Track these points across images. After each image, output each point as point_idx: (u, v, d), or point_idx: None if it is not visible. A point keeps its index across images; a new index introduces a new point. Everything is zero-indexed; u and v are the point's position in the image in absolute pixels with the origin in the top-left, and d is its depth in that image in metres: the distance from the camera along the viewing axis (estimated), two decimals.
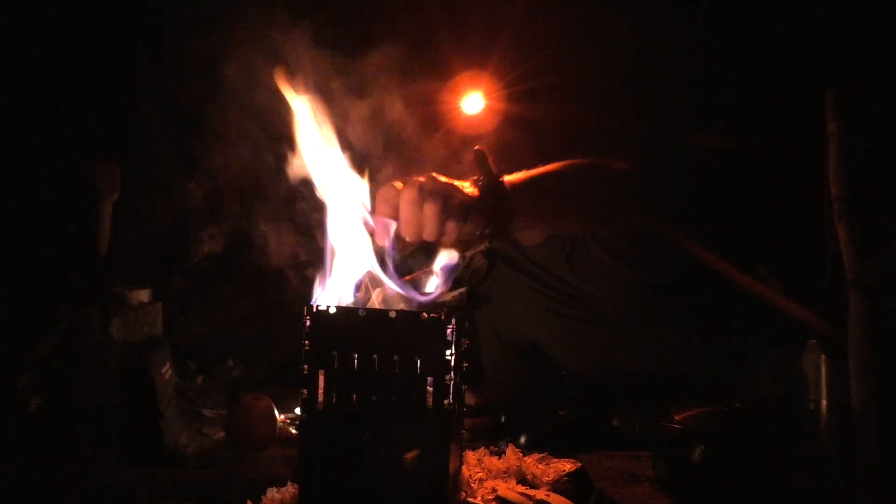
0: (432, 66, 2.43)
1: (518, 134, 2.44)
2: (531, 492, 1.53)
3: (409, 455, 1.45)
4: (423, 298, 1.64)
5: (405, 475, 1.46)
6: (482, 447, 1.77)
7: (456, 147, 2.43)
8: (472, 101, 2.46)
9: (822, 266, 1.75)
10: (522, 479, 1.61)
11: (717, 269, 2.16)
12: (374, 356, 1.48)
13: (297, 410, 2.03)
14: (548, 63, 2.41)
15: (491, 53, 2.44)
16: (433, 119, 2.44)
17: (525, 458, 1.68)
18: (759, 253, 2.22)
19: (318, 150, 1.70)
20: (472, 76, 2.45)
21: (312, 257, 1.78)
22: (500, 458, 1.68)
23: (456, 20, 2.50)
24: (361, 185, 1.72)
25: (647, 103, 2.43)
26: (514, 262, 2.53)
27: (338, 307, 1.51)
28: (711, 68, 2.44)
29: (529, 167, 2.14)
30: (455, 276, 1.67)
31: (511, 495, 1.51)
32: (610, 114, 2.40)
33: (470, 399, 2.14)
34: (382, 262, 1.68)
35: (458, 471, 1.58)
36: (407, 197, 1.66)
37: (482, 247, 1.65)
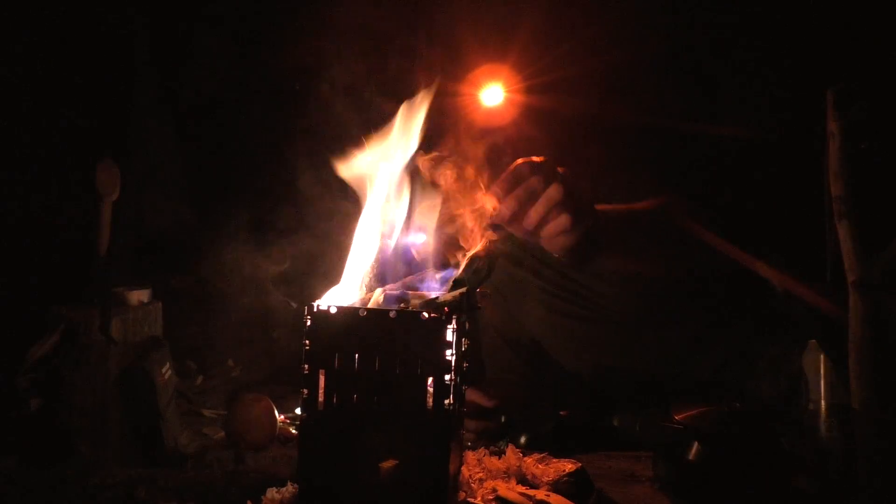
0: (451, 58, 2.45)
1: (537, 126, 2.46)
2: (531, 492, 1.53)
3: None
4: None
5: (404, 476, 1.46)
6: (482, 447, 1.77)
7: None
8: (491, 93, 2.46)
9: (822, 266, 1.75)
10: (522, 479, 1.61)
11: (731, 255, 2.17)
12: (375, 356, 1.48)
13: (297, 410, 2.03)
14: (568, 55, 2.43)
15: (511, 45, 2.46)
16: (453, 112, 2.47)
17: (525, 458, 1.68)
18: (760, 252, 2.23)
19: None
20: (492, 68, 2.46)
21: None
22: (500, 459, 1.68)
23: (476, 12, 2.51)
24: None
25: (659, 95, 2.46)
26: (518, 259, 2.54)
27: (338, 307, 1.51)
28: (720, 63, 2.46)
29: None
30: (455, 278, 1.67)
31: (511, 495, 1.51)
32: (627, 106, 2.43)
33: (483, 401, 2.15)
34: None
35: (458, 471, 1.58)
36: (536, 174, 1.72)
37: (482, 247, 1.65)
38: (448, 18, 2.45)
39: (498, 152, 2.49)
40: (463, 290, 1.60)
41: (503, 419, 2.15)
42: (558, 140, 2.48)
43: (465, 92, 2.46)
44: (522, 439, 1.99)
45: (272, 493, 1.53)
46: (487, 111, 2.49)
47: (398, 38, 2.05)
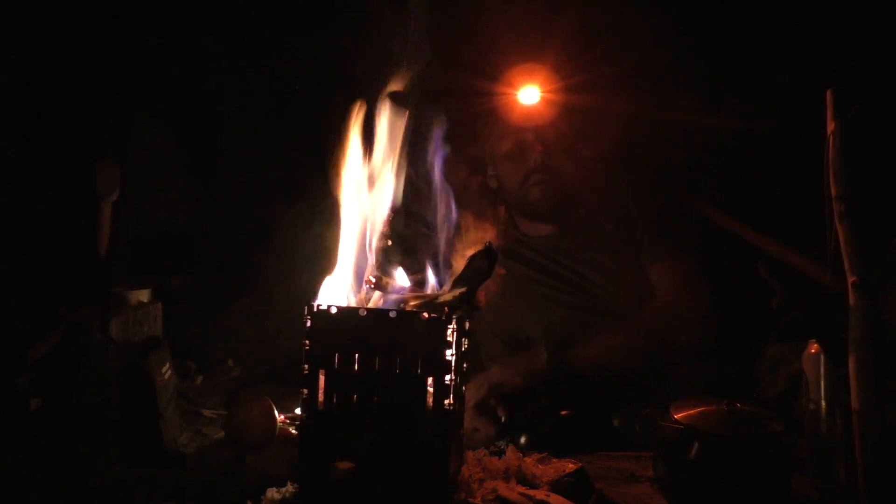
0: (490, 60, 2.47)
1: (571, 122, 2.48)
2: (531, 492, 1.53)
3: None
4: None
5: (405, 475, 1.46)
6: (482, 447, 1.77)
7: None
8: (529, 93, 2.49)
9: (822, 266, 1.75)
10: (522, 479, 1.61)
11: (742, 236, 2.18)
12: (375, 356, 1.48)
13: (297, 410, 2.03)
14: (601, 55, 2.45)
15: (547, 47, 2.48)
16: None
17: (525, 458, 1.68)
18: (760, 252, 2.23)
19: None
20: (529, 68, 2.48)
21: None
22: (500, 459, 1.68)
23: (514, 13, 2.53)
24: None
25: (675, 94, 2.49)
26: (516, 254, 2.55)
27: (338, 307, 1.51)
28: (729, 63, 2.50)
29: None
30: (455, 277, 1.67)
31: (511, 495, 1.51)
32: (655, 103, 2.46)
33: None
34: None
35: (458, 471, 1.58)
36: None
37: (483, 247, 1.65)
38: (480, 19, 2.47)
39: (527, 148, 2.51)
40: (463, 290, 1.60)
41: (503, 419, 2.15)
42: (584, 138, 2.51)
43: (498, 91, 2.49)
44: (522, 439, 1.99)
45: (272, 493, 1.54)
46: (519, 109, 2.52)
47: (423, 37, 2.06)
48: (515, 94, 2.49)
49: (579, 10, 2.48)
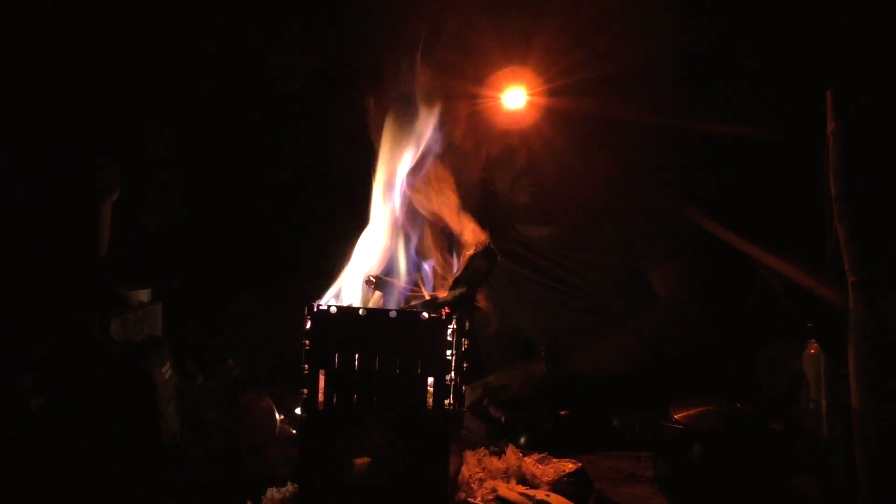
0: (474, 62, 2.46)
1: (557, 127, 2.48)
2: (531, 492, 1.53)
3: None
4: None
5: (405, 475, 1.46)
6: (482, 447, 1.77)
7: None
8: (514, 96, 2.47)
9: (823, 266, 1.75)
10: (522, 479, 1.61)
11: (741, 249, 2.19)
12: (375, 356, 1.48)
13: (297, 410, 2.03)
14: (587, 58, 2.45)
15: (531, 49, 2.47)
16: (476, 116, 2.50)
17: (525, 458, 1.68)
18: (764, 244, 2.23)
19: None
20: (514, 71, 2.47)
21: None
22: (500, 459, 1.68)
23: (497, 15, 2.52)
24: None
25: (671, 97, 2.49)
26: (515, 254, 2.55)
27: (338, 307, 1.51)
28: (727, 64, 2.50)
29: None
30: (455, 277, 1.67)
31: (511, 495, 1.51)
32: (646, 106, 2.46)
33: (493, 410, 2.17)
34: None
35: (458, 471, 1.58)
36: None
37: (482, 247, 1.65)
38: (465, 23, 2.46)
39: (512, 152, 2.51)
40: (463, 290, 1.60)
41: (503, 419, 2.15)
42: (571, 141, 2.50)
43: (483, 94, 2.48)
44: (522, 439, 1.99)
45: (272, 492, 1.54)
46: (504, 113, 2.51)
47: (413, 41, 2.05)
48: (500, 98, 2.48)
49: (570, 10, 2.48)
